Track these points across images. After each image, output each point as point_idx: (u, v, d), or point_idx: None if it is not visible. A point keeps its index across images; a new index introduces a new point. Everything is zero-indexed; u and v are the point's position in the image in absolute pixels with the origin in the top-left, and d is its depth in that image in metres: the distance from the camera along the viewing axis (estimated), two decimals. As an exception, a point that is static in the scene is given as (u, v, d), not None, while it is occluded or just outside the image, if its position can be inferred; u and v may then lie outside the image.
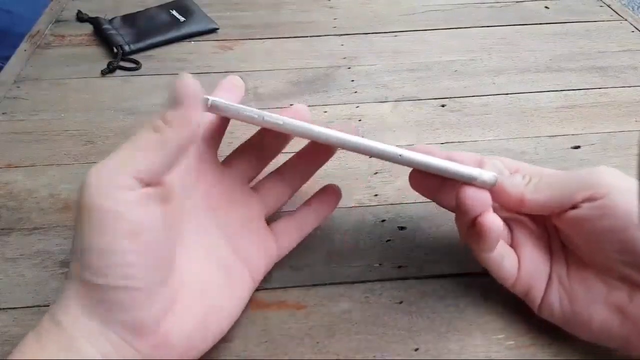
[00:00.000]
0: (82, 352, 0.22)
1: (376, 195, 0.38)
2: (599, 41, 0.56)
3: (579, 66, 0.52)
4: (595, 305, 0.26)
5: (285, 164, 0.33)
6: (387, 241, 0.35)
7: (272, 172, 0.33)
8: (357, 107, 0.48)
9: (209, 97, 0.26)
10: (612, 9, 0.62)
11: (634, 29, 0.58)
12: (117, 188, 0.22)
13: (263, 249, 0.30)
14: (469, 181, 0.26)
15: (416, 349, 0.29)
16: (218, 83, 0.31)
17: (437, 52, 0.55)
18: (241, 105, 0.27)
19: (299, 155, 0.33)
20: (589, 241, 0.26)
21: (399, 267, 0.34)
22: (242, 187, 0.31)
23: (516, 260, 0.28)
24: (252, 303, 0.31)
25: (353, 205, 0.38)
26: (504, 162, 0.29)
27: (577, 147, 0.43)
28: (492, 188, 0.26)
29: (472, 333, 0.30)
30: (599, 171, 0.26)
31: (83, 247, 0.22)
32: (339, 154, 0.42)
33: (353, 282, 0.33)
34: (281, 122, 0.26)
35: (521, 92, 0.49)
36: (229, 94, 0.30)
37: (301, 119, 0.27)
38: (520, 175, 0.28)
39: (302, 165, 0.33)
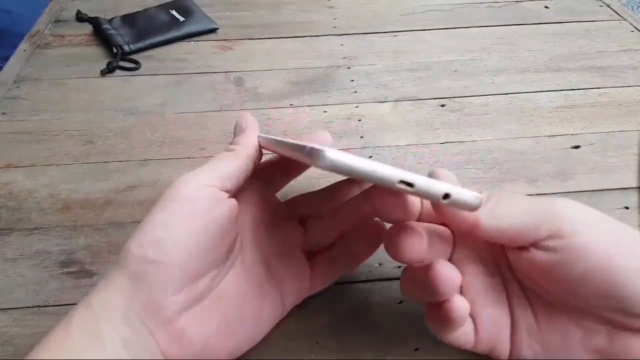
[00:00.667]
0: (104, 338, 0.22)
1: (376, 195, 0.38)
2: (598, 41, 0.56)
3: (578, 66, 0.52)
4: (574, 353, 0.24)
5: (339, 206, 0.30)
6: (387, 241, 0.35)
7: (324, 212, 0.31)
8: (357, 107, 0.48)
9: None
10: (611, 8, 0.62)
11: (633, 28, 0.58)
12: (197, 183, 0.25)
13: (297, 279, 0.30)
14: (438, 199, 0.21)
15: (416, 349, 0.29)
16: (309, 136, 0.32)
17: (436, 52, 0.55)
18: (283, 139, 0.26)
19: (355, 198, 0.29)
20: (561, 288, 0.23)
21: (399, 267, 0.34)
22: (290, 220, 0.31)
23: (471, 325, 0.26)
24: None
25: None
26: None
27: (577, 147, 0.43)
28: (444, 207, 0.23)
29: (472, 333, 0.30)
30: (563, 204, 0.24)
31: (143, 222, 0.24)
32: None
33: (353, 282, 0.33)
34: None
35: (521, 91, 0.49)
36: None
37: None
38: (474, 192, 0.23)
39: (355, 209, 0.29)
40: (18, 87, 0.50)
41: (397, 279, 0.33)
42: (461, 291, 0.26)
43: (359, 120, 0.46)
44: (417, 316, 0.31)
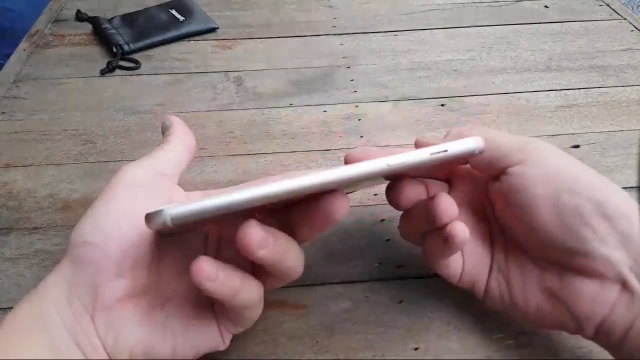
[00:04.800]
0: (48, 319, 0.23)
1: (376, 194, 0.38)
2: (598, 40, 0.56)
3: (578, 65, 0.52)
4: (529, 290, 0.27)
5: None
6: (386, 241, 0.35)
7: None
8: (357, 106, 0.48)
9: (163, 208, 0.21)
10: (611, 8, 0.62)
11: (633, 28, 0.58)
12: (134, 170, 0.26)
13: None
14: (470, 155, 0.25)
15: (416, 349, 0.29)
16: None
17: (436, 51, 0.55)
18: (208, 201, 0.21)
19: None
20: (519, 214, 0.26)
21: (399, 266, 0.34)
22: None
23: (461, 259, 0.29)
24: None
25: (353, 205, 0.38)
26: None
27: (577, 147, 0.43)
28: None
29: (472, 332, 0.30)
30: (537, 140, 0.27)
31: (87, 210, 0.25)
32: (338, 153, 0.42)
33: (353, 282, 0.33)
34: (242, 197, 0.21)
35: (520, 91, 0.49)
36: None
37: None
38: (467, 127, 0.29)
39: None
40: (17, 86, 0.50)
41: (397, 279, 0.33)
42: None
43: (359, 119, 0.46)
44: (417, 316, 0.31)
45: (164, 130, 0.31)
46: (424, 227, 0.27)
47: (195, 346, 0.25)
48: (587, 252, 0.24)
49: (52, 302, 0.23)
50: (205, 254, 0.26)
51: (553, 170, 0.26)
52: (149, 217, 0.22)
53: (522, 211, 0.26)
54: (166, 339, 0.25)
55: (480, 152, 0.25)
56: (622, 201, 0.25)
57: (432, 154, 0.23)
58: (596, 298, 0.25)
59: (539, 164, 0.26)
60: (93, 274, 0.24)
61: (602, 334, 0.25)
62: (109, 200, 0.25)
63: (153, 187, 0.26)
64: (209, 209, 0.21)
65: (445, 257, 0.28)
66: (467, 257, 0.29)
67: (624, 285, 0.24)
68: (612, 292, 0.24)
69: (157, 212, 0.21)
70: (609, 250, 0.24)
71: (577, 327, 0.25)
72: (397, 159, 0.23)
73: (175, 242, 0.26)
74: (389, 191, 0.28)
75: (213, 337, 0.26)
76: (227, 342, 0.27)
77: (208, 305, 0.26)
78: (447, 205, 0.26)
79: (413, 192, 0.28)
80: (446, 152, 0.24)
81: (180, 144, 0.29)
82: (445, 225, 0.26)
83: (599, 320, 0.25)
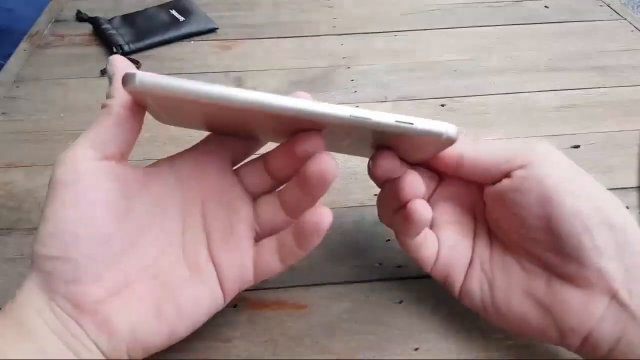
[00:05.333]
0: (33, 327, 0.22)
1: (375, 194, 0.38)
2: (598, 41, 0.56)
3: (578, 66, 0.52)
4: (514, 294, 0.26)
5: (287, 186, 0.28)
6: (387, 241, 0.35)
7: (276, 191, 0.29)
8: (357, 106, 0.47)
9: (135, 72, 0.22)
10: (611, 8, 0.62)
11: (633, 28, 0.58)
12: (72, 159, 0.24)
13: (237, 263, 0.27)
14: (435, 137, 0.23)
15: (416, 349, 0.29)
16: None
17: (436, 51, 0.55)
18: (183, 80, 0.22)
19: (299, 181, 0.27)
20: (515, 216, 0.26)
21: (399, 267, 0.34)
22: (240, 197, 0.28)
23: (436, 246, 0.28)
24: (252, 303, 0.31)
25: (353, 204, 0.38)
26: None
27: (577, 147, 0.43)
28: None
29: (472, 333, 0.30)
30: (539, 143, 0.27)
31: (41, 219, 0.23)
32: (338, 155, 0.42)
33: (353, 282, 0.33)
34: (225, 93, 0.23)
35: (521, 91, 0.49)
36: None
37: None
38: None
39: (304, 195, 0.27)
40: (18, 87, 0.50)
41: (397, 279, 0.33)
42: (433, 220, 0.29)
43: (359, 120, 0.46)
44: (417, 316, 0.31)
45: (110, 82, 0.26)
46: (395, 204, 0.27)
47: (195, 314, 0.26)
48: (582, 260, 0.24)
49: (32, 309, 0.22)
50: (185, 228, 0.27)
51: (558, 173, 0.25)
52: (124, 78, 0.22)
53: (523, 212, 0.25)
54: (161, 325, 0.24)
55: (449, 140, 0.23)
56: (622, 211, 0.25)
57: (397, 121, 0.24)
58: (583, 308, 0.24)
59: (544, 167, 0.25)
60: (68, 284, 0.23)
61: (587, 347, 0.24)
62: (58, 208, 0.23)
63: (99, 178, 0.24)
64: (180, 89, 0.23)
65: (409, 235, 0.27)
66: (444, 247, 0.28)
67: (613, 297, 0.24)
68: (600, 304, 0.24)
69: (133, 74, 0.21)
70: (604, 261, 0.24)
71: (561, 337, 0.25)
72: (361, 112, 0.24)
73: (151, 223, 0.26)
74: (370, 161, 0.28)
75: (207, 300, 0.26)
76: (229, 299, 0.27)
77: (201, 268, 0.26)
78: (414, 182, 0.26)
79: (389, 164, 0.27)
80: (412, 125, 0.24)
81: (118, 109, 0.24)
82: (407, 202, 0.26)
83: (585, 332, 0.24)
